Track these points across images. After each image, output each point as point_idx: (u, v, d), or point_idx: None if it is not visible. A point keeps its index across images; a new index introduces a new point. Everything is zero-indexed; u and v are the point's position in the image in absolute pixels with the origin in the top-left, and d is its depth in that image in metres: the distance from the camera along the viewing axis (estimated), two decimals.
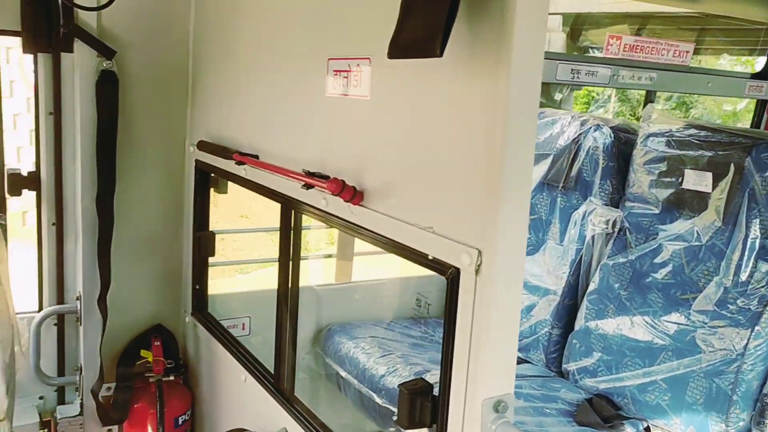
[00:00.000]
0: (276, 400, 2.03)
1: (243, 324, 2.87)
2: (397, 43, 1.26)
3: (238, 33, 2.23)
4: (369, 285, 3.41)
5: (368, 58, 1.53)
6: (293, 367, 2.03)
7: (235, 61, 2.26)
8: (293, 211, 1.98)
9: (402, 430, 1.44)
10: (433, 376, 2.52)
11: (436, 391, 1.39)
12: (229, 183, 2.69)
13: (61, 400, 2.63)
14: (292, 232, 2.00)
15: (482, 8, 1.20)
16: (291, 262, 2.02)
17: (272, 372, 2.09)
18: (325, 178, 1.66)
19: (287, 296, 2.03)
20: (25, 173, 2.44)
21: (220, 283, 2.85)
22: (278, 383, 2.04)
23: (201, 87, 2.51)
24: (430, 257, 1.36)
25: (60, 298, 2.55)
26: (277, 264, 2.06)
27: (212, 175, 2.56)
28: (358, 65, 1.57)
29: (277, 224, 2.02)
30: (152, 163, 2.59)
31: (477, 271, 1.23)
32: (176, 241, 2.70)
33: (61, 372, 2.61)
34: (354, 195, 1.56)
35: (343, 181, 1.56)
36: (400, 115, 1.47)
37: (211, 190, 2.65)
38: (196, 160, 2.53)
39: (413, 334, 3.12)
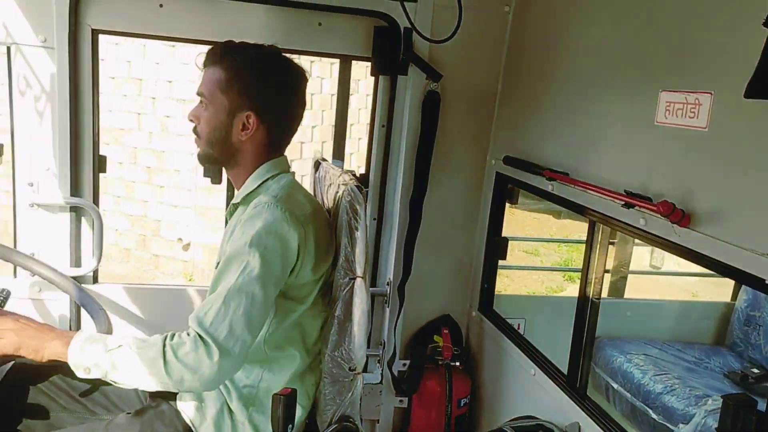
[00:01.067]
0: (568, 396, 2.23)
1: (518, 324, 3.11)
2: (757, 85, 1.38)
3: (555, 59, 2.46)
4: (643, 304, 3.46)
5: (710, 93, 1.66)
6: (588, 369, 2.22)
7: (549, 84, 2.49)
8: (601, 227, 2.16)
9: None
10: (715, 402, 2.53)
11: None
12: (520, 196, 2.96)
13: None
14: (598, 245, 2.19)
15: None
16: (594, 272, 2.20)
17: (565, 370, 2.29)
18: (647, 199, 1.82)
19: (588, 305, 2.22)
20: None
21: (499, 284, 3.11)
22: (572, 381, 2.24)
23: (508, 107, 2.79)
24: (767, 282, 1.46)
25: (373, 282, 3.00)
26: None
27: (509, 186, 2.84)
28: (696, 99, 1.71)
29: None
30: (456, 172, 2.92)
31: None
32: (468, 243, 3.01)
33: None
34: (682, 217, 1.70)
35: (674, 204, 1.70)
36: (740, 146, 1.58)
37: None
38: (497, 173, 2.82)
39: (686, 358, 3.12)
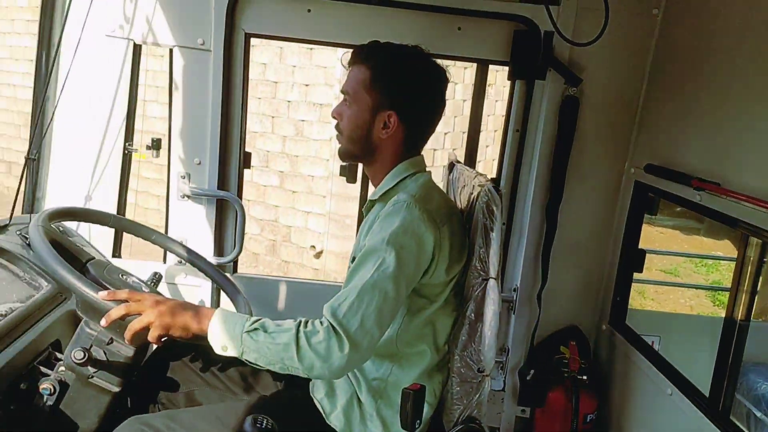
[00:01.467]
0: (709, 419, 2.10)
1: (652, 342, 2.96)
2: None
3: (707, 62, 2.33)
4: None
5: None
6: (732, 393, 2.08)
7: (700, 89, 2.36)
8: (755, 242, 2.02)
9: None
10: None
11: None
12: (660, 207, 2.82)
13: None
14: (750, 261, 2.05)
15: None
16: (745, 292, 2.06)
17: (706, 393, 2.16)
18: None
19: (735, 326, 2.08)
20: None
21: (634, 302, 2.98)
22: (714, 404, 2.11)
23: (652, 113, 2.68)
24: None
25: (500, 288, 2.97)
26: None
27: (649, 196, 2.71)
28: None
29: None
30: (591, 179, 2.84)
31: None
32: (601, 254, 2.90)
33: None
34: None
35: None
36: None
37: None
38: (636, 181, 2.71)
39: None
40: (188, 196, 2.77)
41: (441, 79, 1.93)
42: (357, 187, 3.02)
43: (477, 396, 1.95)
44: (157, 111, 5.33)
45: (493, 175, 2.93)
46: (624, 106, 2.77)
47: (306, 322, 1.68)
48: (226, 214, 2.84)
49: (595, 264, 2.92)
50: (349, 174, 2.84)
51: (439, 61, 1.97)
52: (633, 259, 2.75)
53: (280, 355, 1.66)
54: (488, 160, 7.87)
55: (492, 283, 1.90)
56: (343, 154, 2.01)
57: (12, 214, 2.37)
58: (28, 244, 2.17)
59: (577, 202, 2.84)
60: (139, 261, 2.86)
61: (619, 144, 2.80)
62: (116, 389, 1.94)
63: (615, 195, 2.84)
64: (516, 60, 2.69)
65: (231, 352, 1.71)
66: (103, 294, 1.76)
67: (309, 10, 2.62)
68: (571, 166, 2.77)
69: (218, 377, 2.18)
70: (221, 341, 1.71)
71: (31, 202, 2.75)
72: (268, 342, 1.67)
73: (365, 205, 2.03)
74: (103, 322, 1.74)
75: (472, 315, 1.91)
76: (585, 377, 2.83)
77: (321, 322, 1.68)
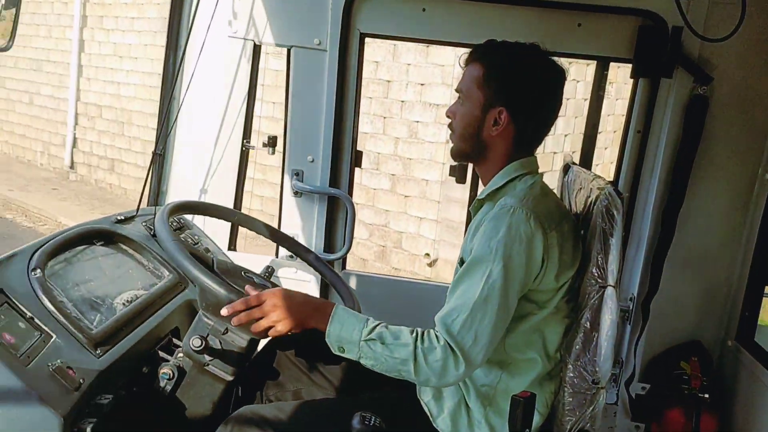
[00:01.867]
0: None
1: None
2: None
3: None
4: None
5: None
6: None
7: None
8: None
9: None
10: None
11: None
12: None
13: None
14: None
15: None
16: None
17: None
18: None
19: None
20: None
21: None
22: None
23: None
24: None
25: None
26: None
27: None
28: None
29: None
30: (718, 184, 2.65)
31: None
32: (728, 264, 2.70)
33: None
34: None
35: None
36: None
37: None
38: None
39: None
40: (301, 193, 2.82)
41: (556, 77, 1.86)
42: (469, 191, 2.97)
43: (591, 409, 1.87)
44: (263, 109, 5.41)
45: (611, 179, 2.80)
46: (759, 106, 2.57)
47: (422, 336, 1.70)
48: (337, 212, 2.87)
49: (722, 275, 2.73)
50: (458, 174, 2.81)
51: (559, 59, 1.91)
52: (766, 271, 2.54)
53: (397, 368, 1.70)
54: (606, 163, 7.43)
55: (610, 291, 1.82)
56: (455, 153, 1.99)
57: (139, 206, 2.50)
58: (153, 235, 2.29)
59: (703, 208, 2.67)
60: (252, 254, 2.95)
61: (752, 147, 2.60)
62: (230, 378, 2.01)
63: (746, 202, 2.64)
64: (640, 57, 2.55)
65: (348, 356, 1.75)
66: (224, 312, 1.80)
67: (424, 9, 2.60)
68: (696, 170, 2.60)
69: (326, 377, 2.21)
70: (339, 344, 1.75)
71: (156, 195, 2.90)
72: (386, 354, 1.70)
73: (473, 204, 2.00)
74: (234, 322, 1.82)
75: (588, 323, 1.83)
76: (707, 395, 2.65)
77: (437, 337, 1.69)
